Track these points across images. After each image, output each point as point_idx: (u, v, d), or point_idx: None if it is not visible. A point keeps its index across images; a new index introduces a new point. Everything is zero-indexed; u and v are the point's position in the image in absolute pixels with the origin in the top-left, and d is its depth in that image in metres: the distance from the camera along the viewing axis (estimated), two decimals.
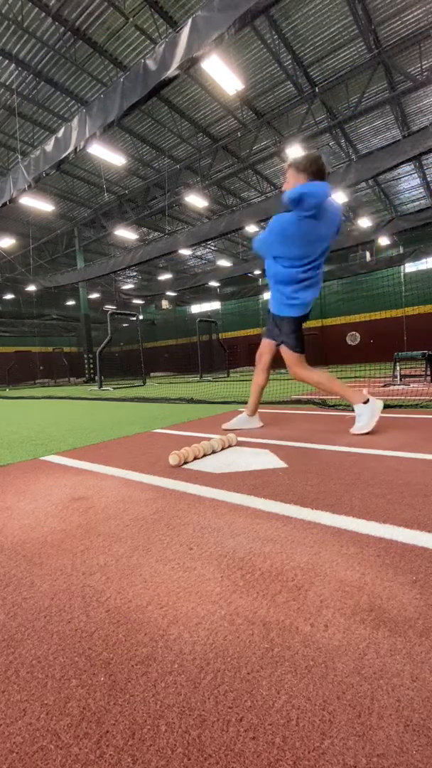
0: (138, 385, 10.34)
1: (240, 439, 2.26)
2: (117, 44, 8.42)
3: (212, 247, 21.24)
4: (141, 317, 16.37)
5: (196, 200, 13.26)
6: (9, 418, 4.23)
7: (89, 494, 1.42)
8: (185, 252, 19.42)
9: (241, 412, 2.73)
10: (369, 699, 0.51)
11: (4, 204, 9.40)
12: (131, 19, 7.69)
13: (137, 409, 4.33)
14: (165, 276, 24.39)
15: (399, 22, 8.19)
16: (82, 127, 7.16)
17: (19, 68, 8.76)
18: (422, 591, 0.74)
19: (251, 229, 14.92)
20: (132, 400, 5.72)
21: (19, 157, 10.84)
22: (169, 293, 24.06)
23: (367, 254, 19.73)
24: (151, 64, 5.90)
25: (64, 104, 10.08)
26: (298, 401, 3.98)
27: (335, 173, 10.09)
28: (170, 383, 10.76)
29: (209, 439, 2.01)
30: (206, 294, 26.94)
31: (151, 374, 23.51)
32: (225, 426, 2.63)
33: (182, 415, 3.51)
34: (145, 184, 14.17)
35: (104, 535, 1.06)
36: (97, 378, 10.01)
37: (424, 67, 9.03)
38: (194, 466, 1.74)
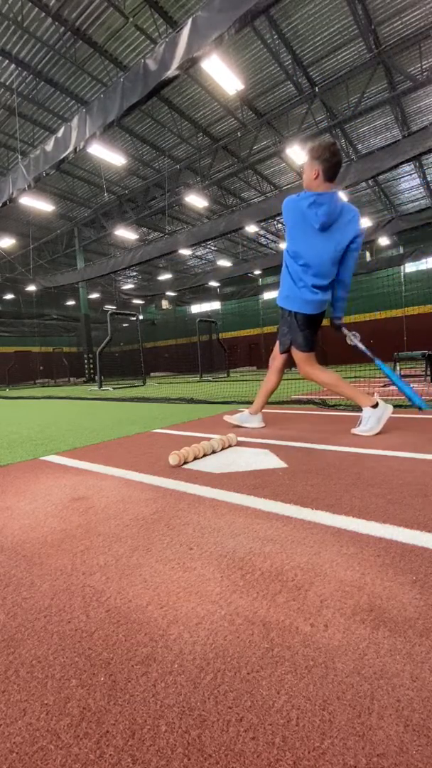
0: (138, 385, 10.34)
1: (240, 439, 2.26)
2: (117, 44, 8.42)
3: (212, 247, 21.24)
4: (141, 317, 16.37)
5: (196, 200, 13.27)
6: (9, 418, 4.23)
7: (89, 494, 1.42)
8: (185, 252, 19.42)
9: (241, 411, 2.73)
10: (369, 699, 0.51)
11: (4, 204, 9.40)
12: (131, 19, 7.69)
13: (137, 409, 4.33)
14: (165, 276, 24.40)
15: (399, 22, 8.19)
16: (82, 127, 7.16)
17: (19, 68, 8.76)
18: (422, 591, 0.74)
19: (251, 229, 14.95)
20: (132, 400, 5.72)
21: (19, 157, 10.85)
22: (169, 293, 24.08)
23: (367, 254, 19.73)
24: (151, 64, 5.90)
25: (64, 104, 10.08)
26: (299, 401, 3.98)
27: None
28: (170, 383, 10.76)
29: (209, 439, 2.01)
30: (206, 294, 26.95)
31: (151, 374, 23.51)
32: (227, 418, 2.64)
33: (182, 415, 3.51)
34: (145, 184, 14.17)
35: (104, 535, 1.06)
36: (97, 378, 10.01)
37: (424, 67, 9.03)
38: (194, 466, 1.74)
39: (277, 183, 14.84)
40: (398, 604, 0.71)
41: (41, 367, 24.94)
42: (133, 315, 12.09)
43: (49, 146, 7.81)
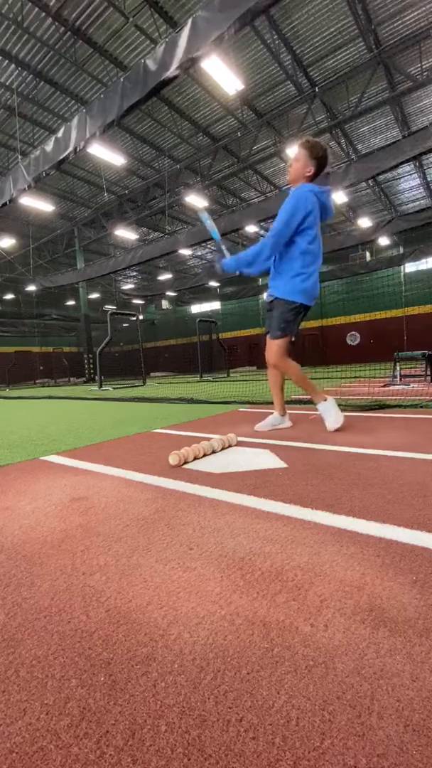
0: (138, 385, 10.34)
1: (240, 439, 2.26)
2: (117, 44, 8.42)
3: (212, 247, 21.23)
4: (141, 317, 16.37)
5: (196, 200, 13.26)
6: (9, 418, 4.23)
7: (89, 494, 1.42)
8: (185, 252, 19.41)
9: (241, 411, 2.72)
10: (369, 699, 0.51)
11: (4, 204, 9.40)
12: (131, 19, 7.69)
13: (137, 409, 4.33)
14: (165, 276, 24.40)
15: (399, 22, 8.19)
16: (82, 127, 7.17)
17: (19, 68, 8.76)
18: (422, 591, 0.74)
19: (251, 229, 14.94)
20: (132, 400, 5.72)
21: (19, 157, 10.85)
22: (169, 293, 24.08)
23: (367, 254, 19.74)
24: (151, 64, 5.90)
25: (64, 104, 10.08)
26: (299, 401, 3.98)
27: (335, 173, 10.09)
28: (170, 383, 10.76)
29: (209, 439, 2.01)
30: (206, 294, 26.94)
31: (151, 374, 23.52)
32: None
33: (182, 415, 3.51)
34: (145, 184, 14.17)
35: (104, 535, 1.06)
36: (97, 378, 10.01)
37: (424, 67, 9.03)
38: (194, 466, 1.74)
39: (277, 183, 14.84)
40: (398, 604, 0.71)
41: (41, 367, 24.95)
42: (133, 315, 12.10)
43: (49, 146, 7.81)
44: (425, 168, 14.27)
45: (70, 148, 7.41)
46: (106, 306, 21.13)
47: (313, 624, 0.66)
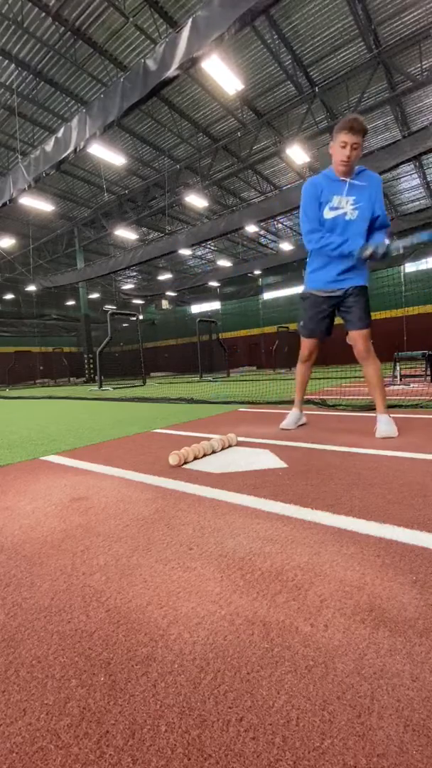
0: (138, 385, 10.34)
1: (240, 439, 2.26)
2: (117, 44, 8.42)
3: (212, 247, 21.24)
4: (141, 317, 16.37)
5: (196, 200, 13.27)
6: (9, 418, 4.23)
7: (89, 494, 1.42)
8: (185, 252, 19.41)
9: (241, 411, 2.72)
10: (369, 699, 0.51)
11: (4, 204, 9.41)
12: (131, 19, 7.69)
13: (137, 409, 4.33)
14: (165, 276, 24.40)
15: (399, 22, 8.19)
16: (82, 127, 7.17)
17: (19, 68, 8.76)
18: (422, 591, 0.74)
19: (251, 229, 14.95)
20: (132, 400, 5.72)
21: (19, 157, 10.84)
22: (169, 293, 24.09)
23: None
24: (151, 64, 5.90)
25: (64, 104, 10.08)
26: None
27: None
28: (170, 383, 10.76)
29: (209, 439, 2.01)
30: (206, 294, 26.95)
31: (151, 374, 23.51)
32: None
33: (182, 415, 3.51)
34: (145, 184, 14.17)
35: (104, 535, 1.06)
36: (97, 378, 10.01)
37: (424, 67, 9.03)
38: (194, 466, 1.74)
39: (277, 183, 14.85)
40: (398, 604, 0.71)
41: (41, 367, 24.95)
42: (133, 315, 12.09)
43: (49, 146, 7.81)
44: (425, 168, 14.26)
45: (70, 148, 7.41)
46: (106, 306, 21.15)
47: (313, 624, 0.66)
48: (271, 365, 17.74)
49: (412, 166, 13.65)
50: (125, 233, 15.92)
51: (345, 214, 2.25)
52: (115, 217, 15.92)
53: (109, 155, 9.71)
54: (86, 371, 18.82)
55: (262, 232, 19.74)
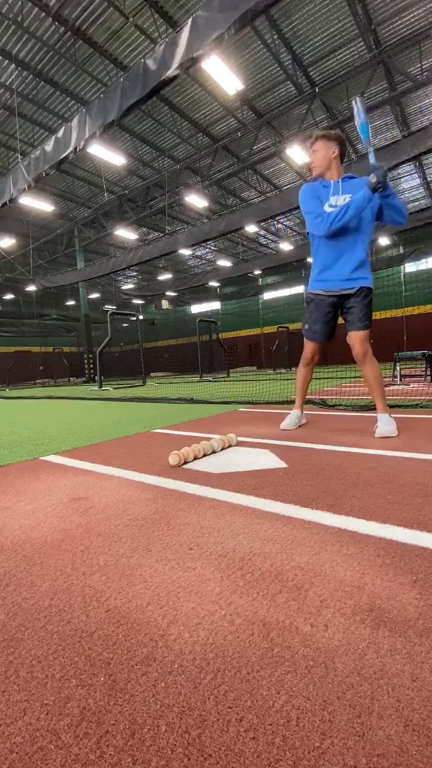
0: (138, 385, 10.34)
1: (240, 439, 2.26)
2: (117, 44, 8.41)
3: (212, 247, 21.23)
4: (141, 317, 16.37)
5: (196, 200, 13.26)
6: (9, 418, 4.23)
7: (89, 494, 1.42)
8: (185, 252, 19.42)
9: (241, 411, 2.72)
10: (369, 699, 0.51)
11: (4, 204, 9.41)
12: (131, 19, 7.69)
13: (137, 409, 4.33)
14: (165, 276, 24.39)
15: (399, 22, 8.18)
16: (82, 127, 7.17)
17: (19, 68, 8.76)
18: (422, 591, 0.74)
19: (251, 229, 14.94)
20: (132, 400, 5.72)
21: (19, 157, 10.85)
22: (169, 293, 24.09)
23: None
24: (151, 64, 5.90)
25: (64, 104, 10.08)
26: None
27: None
28: (170, 383, 10.76)
29: (209, 439, 2.01)
30: (206, 294, 26.94)
31: (151, 374, 23.51)
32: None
33: (182, 415, 3.51)
34: (145, 184, 14.17)
35: (104, 535, 1.06)
36: (97, 378, 10.01)
37: (424, 67, 9.03)
38: (194, 466, 1.74)
39: (277, 183, 14.84)
40: (398, 604, 0.71)
41: (41, 367, 24.93)
42: (133, 315, 12.09)
43: (49, 146, 7.81)
44: (425, 168, 14.26)
45: (70, 148, 7.41)
46: (106, 306, 21.13)
47: (313, 624, 0.66)
48: (271, 365, 17.74)
49: (412, 166, 13.66)
50: (125, 233, 15.92)
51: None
52: (115, 217, 15.92)
53: (109, 155, 9.71)
54: (86, 371, 18.82)
55: (262, 232, 19.74)
